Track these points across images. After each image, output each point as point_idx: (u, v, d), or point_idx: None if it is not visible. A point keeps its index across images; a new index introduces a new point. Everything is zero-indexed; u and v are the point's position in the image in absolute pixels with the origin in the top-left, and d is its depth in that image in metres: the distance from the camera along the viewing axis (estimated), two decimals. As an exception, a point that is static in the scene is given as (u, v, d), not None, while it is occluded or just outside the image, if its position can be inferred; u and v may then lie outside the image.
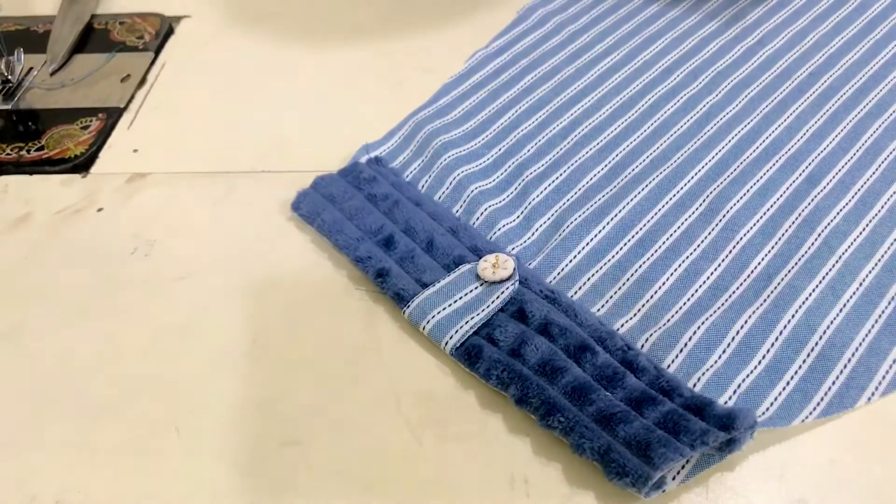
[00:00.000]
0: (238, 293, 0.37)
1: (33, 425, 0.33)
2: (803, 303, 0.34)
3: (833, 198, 0.39)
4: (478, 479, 0.30)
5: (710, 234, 0.38)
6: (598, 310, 0.35)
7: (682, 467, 0.29)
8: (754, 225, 0.38)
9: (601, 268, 0.37)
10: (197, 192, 0.43)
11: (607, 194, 0.40)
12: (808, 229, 0.38)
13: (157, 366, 0.35)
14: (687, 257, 0.37)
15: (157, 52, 0.54)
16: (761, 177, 0.40)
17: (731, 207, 0.39)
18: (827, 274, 0.36)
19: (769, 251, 0.37)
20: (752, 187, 0.40)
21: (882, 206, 0.39)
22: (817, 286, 0.35)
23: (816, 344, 0.33)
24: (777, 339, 0.33)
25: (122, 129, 0.48)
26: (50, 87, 0.51)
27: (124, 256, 0.40)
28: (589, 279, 0.36)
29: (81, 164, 0.45)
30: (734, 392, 0.31)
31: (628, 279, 0.36)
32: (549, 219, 0.39)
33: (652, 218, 0.39)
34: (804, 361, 0.32)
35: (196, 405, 0.33)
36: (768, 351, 0.33)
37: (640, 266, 0.37)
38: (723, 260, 0.37)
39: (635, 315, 0.35)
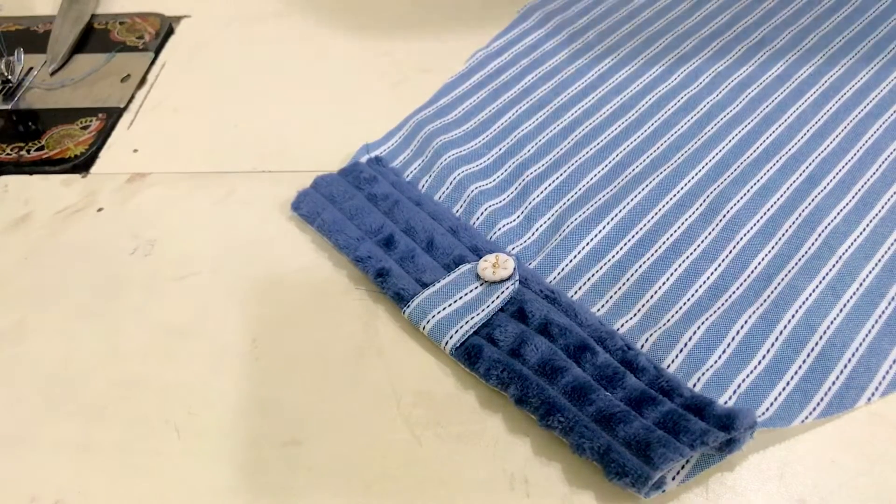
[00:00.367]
0: (238, 293, 0.37)
1: (33, 425, 0.33)
2: (803, 303, 0.34)
3: (833, 198, 0.39)
4: (478, 479, 0.30)
5: (710, 234, 0.38)
6: (599, 310, 0.35)
7: (682, 467, 0.29)
8: (754, 225, 0.38)
9: (601, 268, 0.37)
10: (197, 192, 0.43)
11: (607, 194, 0.40)
12: (808, 229, 0.38)
13: (157, 366, 0.35)
14: (687, 257, 0.37)
15: (157, 52, 0.54)
16: (762, 177, 0.40)
17: (732, 207, 0.39)
18: (827, 274, 0.36)
19: (769, 251, 0.37)
20: (752, 187, 0.40)
21: (882, 207, 0.39)
22: (817, 286, 0.35)
23: (816, 344, 0.33)
24: (777, 339, 0.33)
25: (122, 129, 0.48)
26: (50, 87, 0.51)
27: (124, 256, 0.40)
28: (589, 279, 0.36)
29: (81, 164, 0.45)
30: (734, 392, 0.31)
31: (628, 279, 0.36)
32: (549, 219, 0.39)
33: (652, 218, 0.39)
34: (804, 361, 0.32)
35: (196, 405, 0.33)
36: (768, 351, 0.33)
37: (641, 266, 0.37)
38: (723, 260, 0.37)
39: (635, 315, 0.35)
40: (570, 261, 0.37)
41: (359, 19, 0.55)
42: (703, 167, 0.41)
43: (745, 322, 0.34)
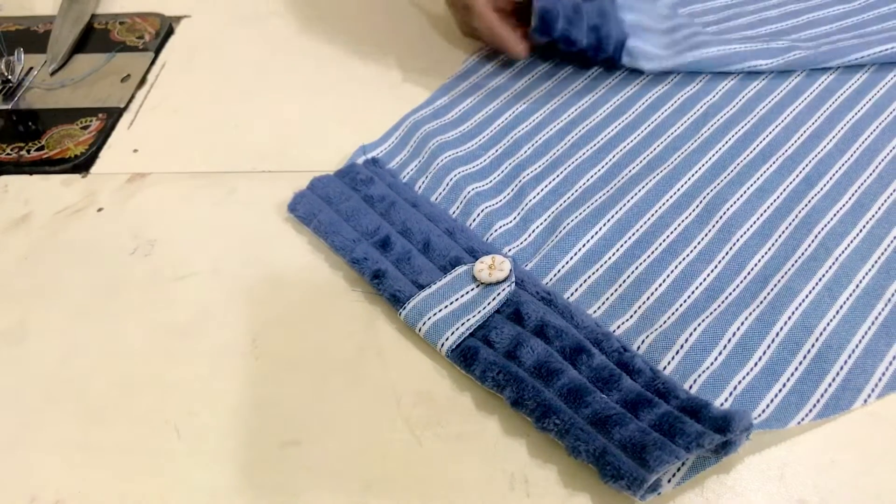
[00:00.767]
0: (238, 293, 0.38)
1: (33, 425, 0.33)
2: (800, 305, 0.34)
3: (830, 199, 0.39)
4: (478, 479, 0.30)
5: (706, 235, 0.38)
6: (595, 311, 0.35)
7: (678, 469, 0.29)
8: (751, 227, 0.38)
9: (598, 269, 0.37)
10: (197, 192, 0.43)
11: (604, 196, 0.40)
12: (804, 231, 0.38)
13: (157, 366, 0.35)
14: (684, 259, 0.37)
15: (157, 52, 0.54)
16: (758, 178, 0.41)
17: (728, 209, 0.39)
18: (824, 276, 0.36)
19: (766, 253, 0.37)
20: (748, 189, 0.40)
21: (879, 208, 0.39)
22: (814, 288, 0.35)
23: (813, 346, 0.33)
24: (773, 340, 0.33)
25: (122, 129, 0.48)
26: (50, 87, 0.51)
27: (124, 256, 0.40)
28: (585, 281, 0.36)
29: (81, 164, 0.45)
30: (730, 394, 0.31)
31: (625, 281, 0.36)
32: (545, 220, 0.40)
33: (648, 220, 0.39)
34: (801, 363, 0.33)
35: (196, 405, 0.33)
36: (765, 353, 0.33)
37: (637, 268, 0.37)
38: (719, 262, 0.37)
39: (632, 317, 0.35)
40: (567, 262, 0.37)
41: (357, 21, 0.55)
42: (699, 169, 0.41)
43: (742, 324, 0.34)
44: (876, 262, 0.37)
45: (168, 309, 0.37)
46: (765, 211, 0.39)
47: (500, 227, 0.39)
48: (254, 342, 0.36)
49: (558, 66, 0.49)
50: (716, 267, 0.37)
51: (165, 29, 0.56)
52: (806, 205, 0.39)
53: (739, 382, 0.32)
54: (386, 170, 0.42)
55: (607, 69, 0.48)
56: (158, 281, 0.39)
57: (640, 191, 0.40)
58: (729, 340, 0.33)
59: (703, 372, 0.32)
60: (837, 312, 0.34)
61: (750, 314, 0.34)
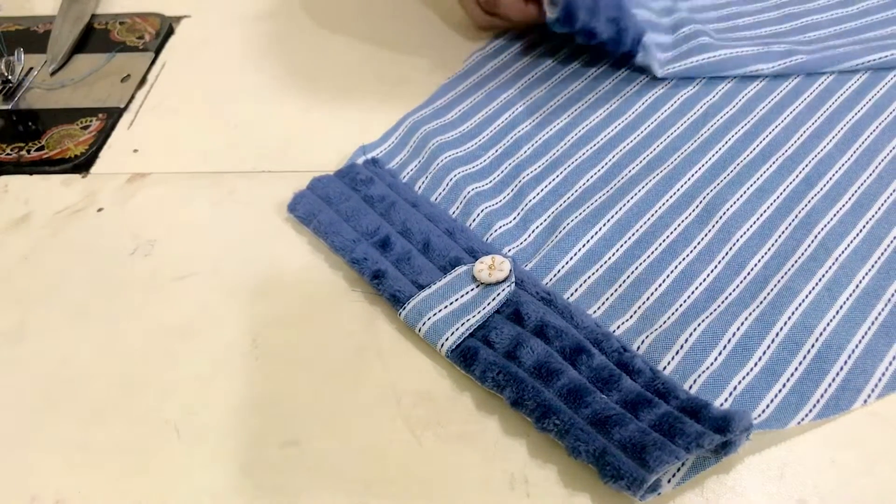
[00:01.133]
0: (238, 293, 0.38)
1: (33, 425, 0.33)
2: (800, 305, 0.34)
3: (830, 200, 0.39)
4: (478, 479, 0.30)
5: (706, 235, 0.38)
6: (595, 312, 0.35)
7: (678, 470, 0.29)
8: (751, 227, 0.38)
9: (597, 270, 0.37)
10: (197, 192, 0.43)
11: (604, 196, 0.40)
12: (804, 231, 0.38)
13: (157, 366, 0.35)
14: (683, 259, 0.37)
15: (157, 52, 0.54)
16: (758, 179, 0.41)
17: (728, 209, 0.39)
18: (823, 276, 0.36)
19: (766, 253, 0.37)
20: (748, 189, 0.40)
21: (879, 208, 0.39)
22: (814, 288, 0.35)
23: (813, 346, 0.33)
24: (773, 341, 0.33)
25: (122, 129, 0.48)
26: (50, 87, 0.51)
27: (124, 256, 0.40)
28: (585, 281, 0.36)
29: (81, 164, 0.45)
30: (730, 394, 0.32)
31: (625, 281, 0.36)
32: (545, 220, 0.40)
33: (648, 220, 0.39)
34: (801, 363, 0.33)
35: (196, 405, 0.33)
36: (764, 353, 0.33)
37: (637, 268, 0.37)
38: (719, 262, 0.37)
39: (632, 317, 0.35)
40: (567, 263, 0.37)
41: (357, 20, 0.55)
42: (699, 169, 0.41)
43: (742, 324, 0.34)
44: (876, 262, 0.37)
45: (168, 309, 0.37)
46: (765, 211, 0.39)
47: (500, 227, 0.39)
48: (254, 342, 0.36)
49: (558, 67, 0.49)
50: (716, 267, 0.37)
51: (165, 29, 0.56)
52: (806, 205, 0.39)
53: (739, 382, 0.32)
54: (386, 170, 0.42)
55: (611, 67, 0.49)
56: (158, 281, 0.39)
57: (639, 191, 0.40)
58: (729, 340, 0.33)
59: (703, 372, 0.32)
60: (837, 312, 0.34)
61: (750, 314, 0.34)
